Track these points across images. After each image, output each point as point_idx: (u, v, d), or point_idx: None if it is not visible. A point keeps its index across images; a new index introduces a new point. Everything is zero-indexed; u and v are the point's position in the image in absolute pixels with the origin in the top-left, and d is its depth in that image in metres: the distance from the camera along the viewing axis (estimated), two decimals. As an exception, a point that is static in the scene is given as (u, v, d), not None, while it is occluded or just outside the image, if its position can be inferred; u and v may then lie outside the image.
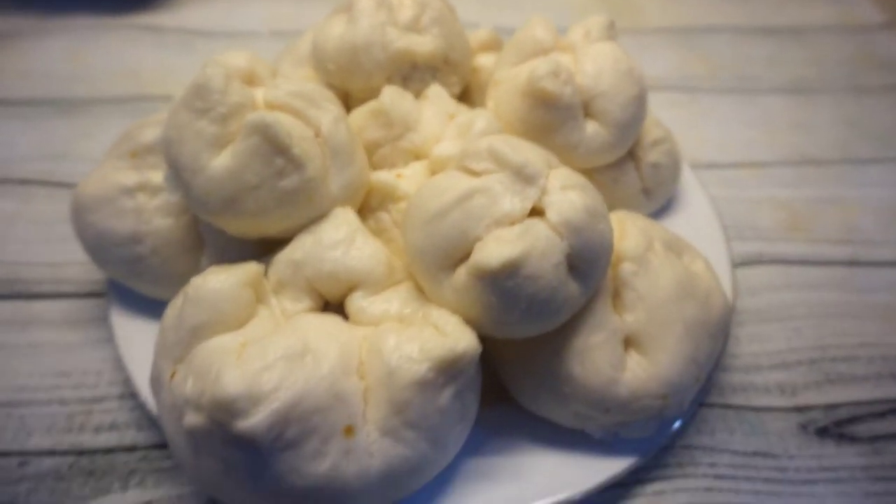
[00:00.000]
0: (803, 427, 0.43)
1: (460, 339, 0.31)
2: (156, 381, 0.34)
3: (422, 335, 0.32)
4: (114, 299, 0.43)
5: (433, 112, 0.42)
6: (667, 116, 0.64)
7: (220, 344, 0.31)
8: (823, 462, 0.41)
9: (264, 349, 0.30)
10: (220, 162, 0.34)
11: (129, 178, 0.40)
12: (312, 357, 0.31)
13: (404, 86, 0.44)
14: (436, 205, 0.33)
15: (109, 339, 0.44)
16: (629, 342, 0.36)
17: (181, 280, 0.39)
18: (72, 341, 0.45)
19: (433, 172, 0.40)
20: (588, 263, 0.33)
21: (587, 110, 0.42)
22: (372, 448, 0.31)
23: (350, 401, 0.31)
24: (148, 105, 0.63)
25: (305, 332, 0.32)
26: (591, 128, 0.42)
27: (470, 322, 0.33)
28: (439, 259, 0.33)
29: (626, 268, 0.36)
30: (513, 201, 0.32)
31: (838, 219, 0.56)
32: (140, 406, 0.41)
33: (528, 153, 0.34)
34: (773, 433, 0.42)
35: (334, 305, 0.36)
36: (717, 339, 0.38)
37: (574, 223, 0.32)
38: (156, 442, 0.40)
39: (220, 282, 0.33)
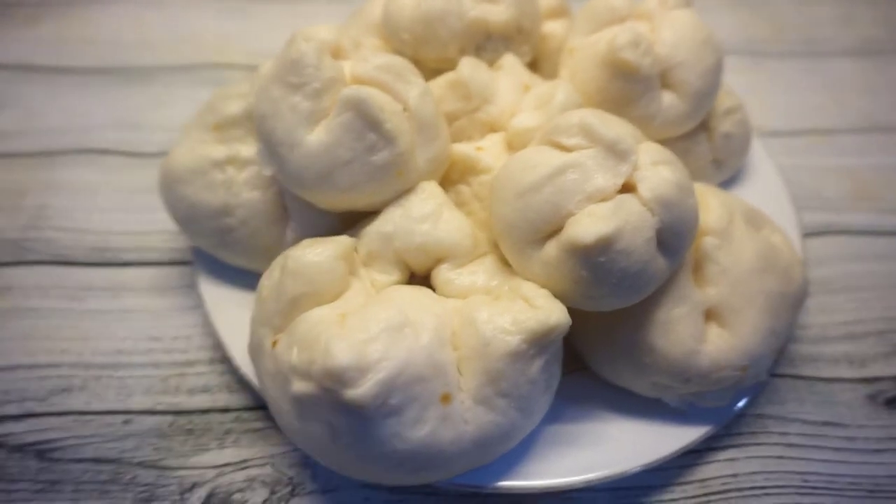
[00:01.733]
0: (871, 398, 0.43)
1: (552, 311, 0.32)
2: (256, 349, 0.36)
3: (513, 308, 0.33)
4: (200, 268, 0.44)
5: (508, 83, 0.42)
6: (731, 82, 0.62)
7: (322, 315, 0.33)
8: (892, 432, 0.42)
9: (366, 321, 0.32)
10: (316, 137, 0.35)
11: (217, 151, 0.41)
12: (412, 328, 0.32)
13: (477, 55, 0.44)
14: (528, 179, 0.33)
15: (196, 307, 0.46)
16: (710, 315, 0.36)
17: (267, 251, 0.41)
18: (160, 308, 0.47)
19: (511, 145, 0.40)
20: (676, 238, 0.33)
21: (664, 80, 0.42)
22: (466, 415, 0.32)
23: (446, 370, 0.32)
24: (212, 73, 0.64)
25: (402, 304, 0.33)
26: (668, 98, 0.42)
27: (558, 295, 0.34)
28: (530, 233, 0.33)
29: (709, 241, 0.36)
30: (605, 177, 0.32)
31: (906, 188, 0.56)
32: (230, 370, 0.43)
33: (619, 128, 0.34)
34: (843, 403, 0.43)
35: (419, 277, 0.37)
36: (795, 310, 0.39)
37: (665, 199, 0.32)
38: (247, 405, 0.42)
39: (317, 255, 0.34)
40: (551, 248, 0.33)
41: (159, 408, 0.42)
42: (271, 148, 0.36)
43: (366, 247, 0.37)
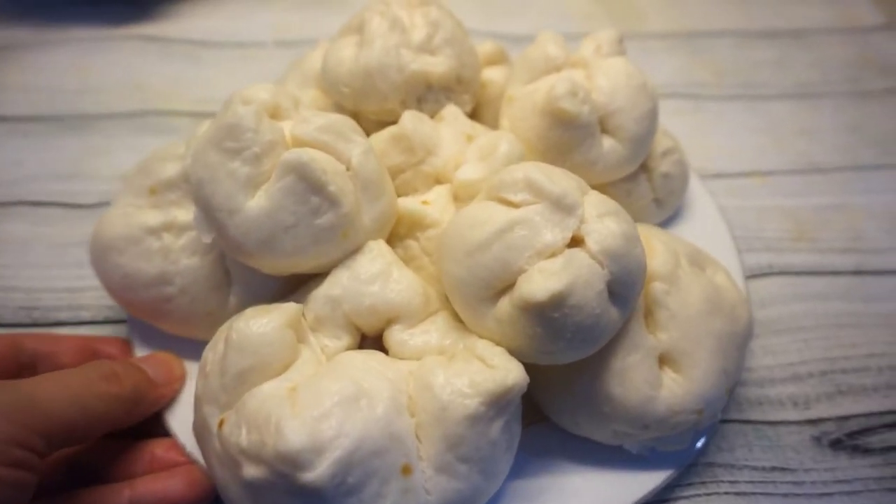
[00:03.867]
0: (817, 440, 0.44)
1: (509, 371, 0.32)
2: (201, 428, 0.34)
3: (469, 369, 0.32)
4: (136, 332, 0.42)
5: (451, 133, 0.42)
6: (673, 124, 0.64)
7: (271, 390, 0.31)
8: (838, 475, 0.42)
9: (319, 395, 0.30)
10: (256, 203, 0.34)
11: (152, 217, 0.39)
12: (366, 399, 0.31)
13: (419, 107, 0.44)
14: (476, 237, 0.33)
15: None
16: (663, 360, 0.37)
17: (210, 317, 0.39)
18: (93, 368, 0.45)
19: (457, 197, 0.40)
20: (626, 288, 0.34)
21: (603, 126, 0.43)
22: (428, 485, 0.31)
23: (404, 440, 0.31)
24: (157, 120, 0.63)
25: (355, 374, 0.32)
26: (608, 144, 0.43)
27: (513, 351, 0.33)
28: (481, 290, 0.33)
29: (658, 287, 0.37)
30: (553, 232, 0.33)
31: (843, 227, 0.57)
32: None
33: (564, 182, 0.34)
34: (790, 447, 0.43)
35: (371, 339, 0.37)
36: (743, 349, 0.39)
37: (614, 251, 0.32)
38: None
39: (262, 325, 0.33)
40: (504, 305, 0.33)
41: (86, 480, 0.40)
42: (210, 214, 0.35)
43: (313, 312, 0.36)
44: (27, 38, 0.70)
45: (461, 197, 0.40)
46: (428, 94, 0.45)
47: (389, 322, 0.36)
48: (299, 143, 0.35)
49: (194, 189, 0.35)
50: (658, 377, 0.36)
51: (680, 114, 0.67)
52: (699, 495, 0.40)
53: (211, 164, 0.34)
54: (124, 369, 0.35)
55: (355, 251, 0.37)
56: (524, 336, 0.33)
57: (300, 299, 0.36)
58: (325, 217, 0.34)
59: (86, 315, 0.48)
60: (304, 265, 0.36)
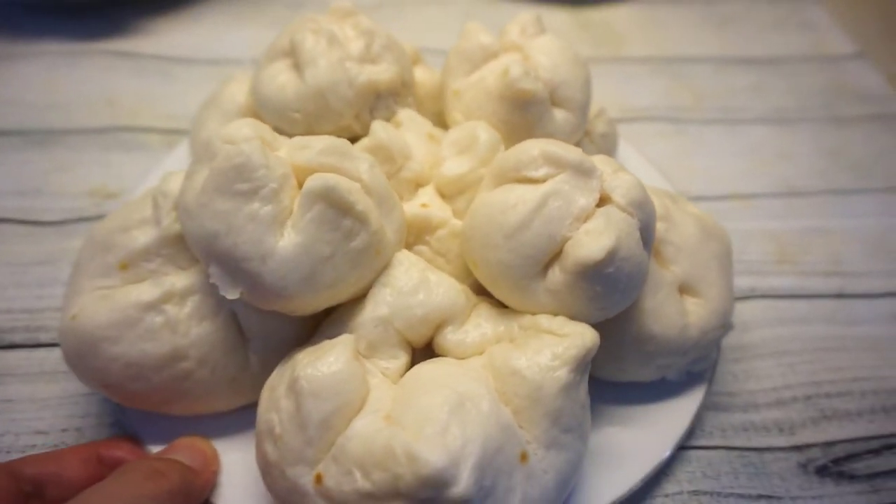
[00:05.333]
0: (803, 466, 0.43)
1: (583, 333, 0.33)
2: (288, 494, 0.31)
3: (545, 344, 0.33)
4: (142, 429, 0.37)
5: (414, 136, 0.43)
6: (655, 147, 0.65)
7: (369, 426, 0.30)
8: (825, 502, 0.41)
9: (426, 412, 0.29)
10: (288, 241, 0.32)
11: (145, 291, 0.35)
12: (470, 402, 0.30)
13: (372, 117, 0.44)
14: (513, 219, 0.34)
15: (91, 392, 0.42)
16: (682, 290, 0.40)
17: (233, 385, 0.37)
18: (49, 395, 0.42)
19: (444, 193, 0.41)
20: (649, 231, 0.36)
21: (553, 100, 0.44)
22: (542, 465, 0.32)
23: (513, 429, 0.31)
24: (127, 135, 0.61)
25: (444, 381, 0.31)
26: (560, 115, 0.45)
27: (572, 316, 0.35)
28: (530, 268, 0.34)
29: (661, 227, 0.40)
30: (584, 196, 0.34)
31: (824, 250, 0.57)
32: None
33: (574, 149, 0.35)
34: (776, 474, 0.42)
35: (419, 351, 0.36)
36: (731, 262, 0.44)
37: (638, 200, 0.35)
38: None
39: (331, 365, 0.31)
40: (555, 276, 0.34)
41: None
42: (235, 267, 0.32)
43: (365, 338, 0.34)
44: (-6, 50, 0.68)
45: (449, 193, 0.41)
46: (378, 103, 0.44)
47: (439, 327, 0.35)
48: (305, 170, 0.33)
49: (205, 245, 0.32)
50: (683, 306, 0.40)
51: (661, 136, 0.67)
52: (686, 526, 0.39)
53: (223, 212, 0.31)
54: (163, 464, 0.33)
55: (385, 268, 0.36)
56: (583, 298, 0.34)
57: (333, 334, 0.35)
58: (358, 238, 0.33)
59: (44, 337, 0.45)
60: (342, 294, 0.34)
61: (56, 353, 0.44)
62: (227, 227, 0.31)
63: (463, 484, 0.28)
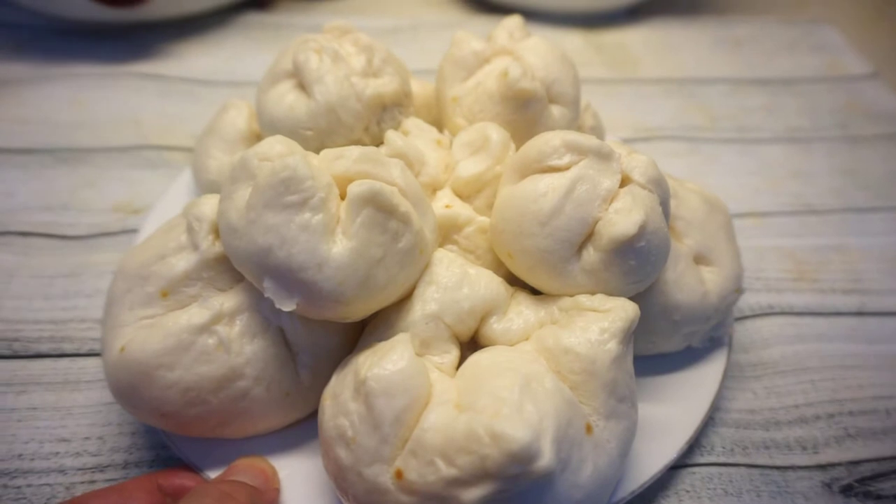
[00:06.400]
0: (827, 486, 0.42)
1: (624, 306, 0.35)
2: (371, 493, 0.31)
3: (589, 321, 0.34)
4: (195, 456, 0.37)
5: (424, 143, 0.44)
6: (668, 165, 0.65)
7: (442, 415, 0.30)
8: (851, 523, 0.40)
9: (497, 393, 0.30)
10: (341, 247, 0.33)
11: (196, 315, 0.35)
12: (535, 381, 0.31)
13: (380, 129, 0.46)
14: (545, 206, 0.36)
15: (112, 402, 0.42)
16: (696, 260, 0.43)
17: (288, 400, 0.37)
18: (72, 404, 0.43)
19: (461, 194, 0.42)
20: (667, 205, 0.38)
21: (549, 97, 0.46)
22: (605, 434, 0.33)
23: (576, 403, 0.32)
24: (152, 153, 0.62)
25: (507, 364, 0.32)
26: (557, 111, 0.46)
27: (608, 293, 0.36)
28: (565, 251, 0.36)
29: (671, 203, 0.41)
30: (608, 178, 0.36)
31: (843, 268, 0.57)
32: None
33: (590, 137, 0.37)
34: (799, 493, 0.41)
35: (464, 346, 0.37)
36: (734, 231, 0.47)
37: (655, 177, 0.37)
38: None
39: (396, 362, 0.32)
40: (589, 256, 0.36)
41: (59, 523, 0.37)
42: (290, 278, 0.32)
43: (418, 336, 0.35)
44: (26, 73, 0.70)
45: (467, 194, 0.42)
46: (384, 115, 0.46)
47: (484, 318, 0.37)
48: (343, 179, 0.34)
49: (257, 261, 0.33)
50: (700, 275, 0.42)
51: (675, 155, 0.68)
52: (708, 542, 0.38)
53: (275, 226, 0.32)
54: (230, 486, 0.33)
55: (426, 268, 0.37)
56: (618, 274, 0.36)
57: (383, 337, 0.35)
58: (404, 239, 0.34)
59: (68, 347, 0.46)
60: (392, 296, 0.35)
61: (80, 364, 0.45)
62: (281, 240, 0.32)
63: (547, 457, 0.28)
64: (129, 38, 0.76)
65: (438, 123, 0.49)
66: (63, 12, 0.73)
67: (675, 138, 0.70)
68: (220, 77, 0.73)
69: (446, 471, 0.29)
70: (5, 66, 0.71)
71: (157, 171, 0.60)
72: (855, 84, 0.79)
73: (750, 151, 0.69)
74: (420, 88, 0.52)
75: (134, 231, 0.54)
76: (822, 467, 0.43)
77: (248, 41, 0.78)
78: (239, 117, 0.49)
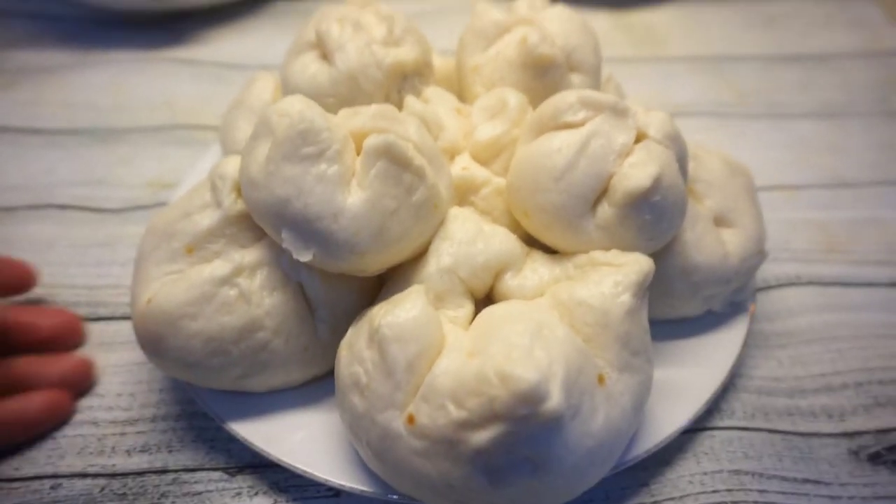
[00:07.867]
0: (854, 453, 0.41)
1: (638, 260, 0.35)
2: (381, 440, 0.32)
3: (603, 274, 0.34)
4: (222, 409, 0.39)
5: (443, 110, 0.45)
6: (698, 141, 0.64)
7: (454, 361, 0.31)
8: (878, 490, 0.39)
9: (509, 338, 0.30)
10: (356, 198, 0.33)
11: (218, 267, 0.36)
12: (547, 328, 0.31)
13: (400, 97, 0.46)
14: (559, 162, 0.36)
15: (144, 362, 0.44)
16: (717, 222, 0.42)
17: (306, 354, 0.38)
18: (106, 364, 0.45)
19: (479, 158, 0.42)
20: (684, 162, 0.38)
21: (568, 65, 0.46)
22: (619, 386, 0.33)
23: (589, 354, 0.32)
24: (184, 133, 0.65)
25: (520, 313, 0.32)
26: (577, 78, 0.47)
27: (623, 249, 0.36)
28: (580, 206, 0.36)
29: (690, 165, 0.41)
30: (623, 133, 0.36)
31: (877, 240, 0.55)
32: (173, 428, 0.41)
33: (607, 94, 0.37)
34: (824, 459, 0.40)
35: (479, 301, 0.37)
36: (756, 194, 0.46)
37: (672, 134, 0.37)
38: (186, 465, 0.39)
39: (409, 311, 0.32)
40: (604, 211, 0.36)
41: (91, 470, 0.39)
42: (307, 227, 0.33)
43: (432, 290, 0.36)
44: (69, 60, 0.74)
45: (484, 158, 0.42)
46: (405, 83, 0.46)
47: (499, 274, 0.37)
48: (359, 135, 0.35)
49: (275, 212, 0.34)
50: (720, 237, 0.42)
51: (703, 131, 0.67)
52: (726, 502, 0.37)
53: (292, 177, 0.33)
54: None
55: (442, 223, 0.37)
56: (633, 229, 0.36)
57: (399, 291, 0.35)
58: (418, 192, 0.35)
59: (103, 311, 0.48)
60: (407, 249, 0.36)
61: (113, 327, 0.47)
62: (298, 190, 0.33)
63: (556, 398, 0.28)
64: (164, 25, 0.78)
65: (460, 97, 0.50)
66: (103, 3, 0.76)
67: (702, 114, 0.69)
68: (249, 61, 0.75)
69: (456, 413, 0.29)
70: (50, 54, 0.74)
71: (188, 149, 0.63)
72: (894, 58, 0.76)
73: (781, 126, 0.67)
74: (442, 63, 0.52)
75: (164, 204, 0.56)
76: (848, 435, 0.42)
77: (278, 28, 0.80)
78: (265, 90, 0.50)
